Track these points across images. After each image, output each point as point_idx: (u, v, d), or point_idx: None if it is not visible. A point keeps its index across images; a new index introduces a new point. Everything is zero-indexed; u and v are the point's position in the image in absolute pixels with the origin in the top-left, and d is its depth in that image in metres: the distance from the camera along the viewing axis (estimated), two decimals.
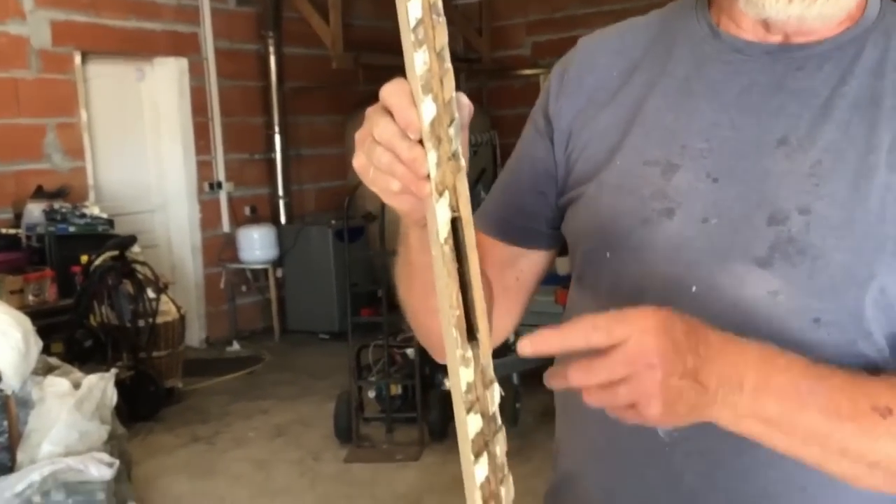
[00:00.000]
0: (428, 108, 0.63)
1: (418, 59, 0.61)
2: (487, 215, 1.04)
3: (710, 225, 0.85)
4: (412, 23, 0.61)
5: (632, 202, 0.89)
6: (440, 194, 0.63)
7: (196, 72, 6.01)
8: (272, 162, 6.49)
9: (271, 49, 6.32)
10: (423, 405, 3.98)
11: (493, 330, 1.03)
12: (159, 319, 4.66)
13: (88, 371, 3.46)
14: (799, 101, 0.87)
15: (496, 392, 0.64)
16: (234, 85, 6.25)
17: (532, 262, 1.04)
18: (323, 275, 6.11)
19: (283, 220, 6.49)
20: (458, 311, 0.63)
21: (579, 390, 0.71)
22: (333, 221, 6.06)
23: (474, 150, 7.41)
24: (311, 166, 6.82)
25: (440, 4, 0.61)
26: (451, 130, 0.63)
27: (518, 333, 1.13)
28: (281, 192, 6.51)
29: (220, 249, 6.23)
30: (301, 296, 6.25)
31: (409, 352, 4.16)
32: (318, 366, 5.48)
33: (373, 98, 0.70)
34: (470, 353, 0.63)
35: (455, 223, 0.64)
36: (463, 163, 0.64)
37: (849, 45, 0.89)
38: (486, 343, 0.64)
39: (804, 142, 0.85)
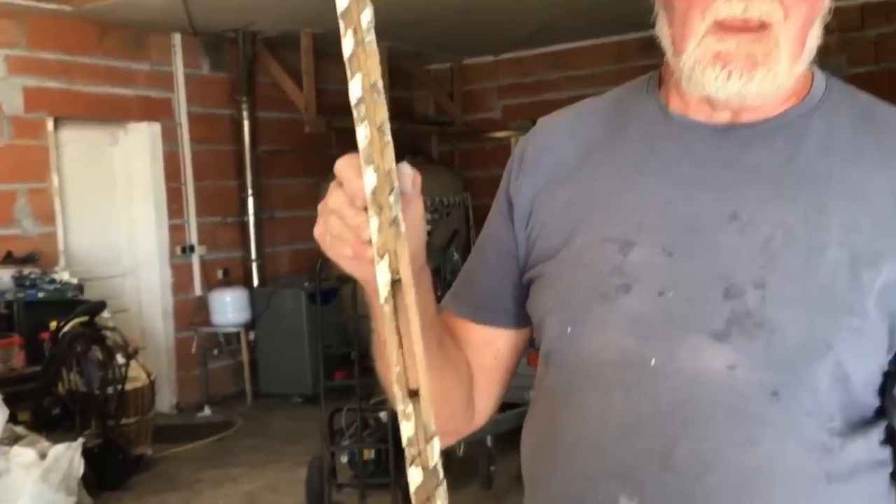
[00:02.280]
0: (369, 178, 0.68)
1: (360, 134, 0.67)
2: (458, 298, 1.07)
3: (667, 298, 0.87)
4: (353, 101, 0.67)
5: (591, 279, 0.91)
6: (381, 257, 0.68)
7: (169, 136, 6.03)
8: (245, 225, 6.48)
9: (245, 113, 6.37)
10: (396, 470, 3.93)
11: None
12: (128, 386, 4.59)
13: (56, 440, 3.39)
14: (749, 178, 0.89)
15: (437, 446, 0.66)
16: (208, 149, 6.28)
17: (508, 341, 1.05)
18: (296, 337, 6.07)
19: (255, 282, 6.46)
20: (399, 368, 0.67)
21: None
22: (307, 284, 6.04)
23: (447, 211, 7.45)
24: (285, 229, 6.82)
25: (380, 84, 0.66)
26: (391, 198, 0.67)
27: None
28: (254, 255, 6.49)
29: (191, 313, 6.17)
30: (274, 359, 6.19)
31: (383, 415, 4.12)
32: (291, 430, 5.41)
33: None
34: (411, 409, 0.66)
35: (396, 285, 0.68)
36: (403, 228, 0.68)
37: (796, 123, 0.91)
38: (428, 399, 0.66)
39: (756, 217, 0.87)
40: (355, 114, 0.66)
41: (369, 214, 0.68)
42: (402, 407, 0.66)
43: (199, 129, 6.21)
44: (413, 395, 0.67)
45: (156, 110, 5.96)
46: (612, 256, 0.91)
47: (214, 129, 6.32)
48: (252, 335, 6.28)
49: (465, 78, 7.79)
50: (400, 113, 7.48)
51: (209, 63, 6.30)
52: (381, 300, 0.68)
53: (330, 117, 6.29)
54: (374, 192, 0.67)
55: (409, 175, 0.73)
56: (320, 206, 0.76)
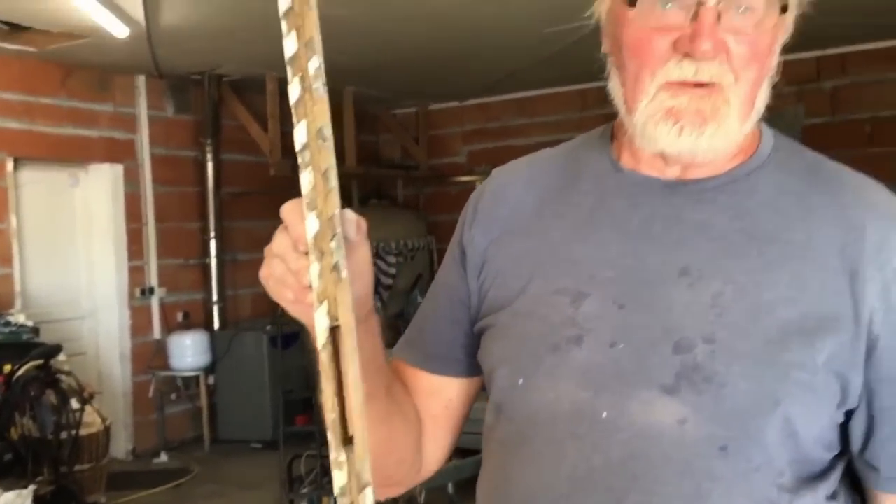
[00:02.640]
0: (311, 224, 0.68)
1: (304, 180, 0.67)
2: (409, 346, 1.07)
3: (618, 350, 0.88)
4: (298, 146, 0.67)
5: (542, 330, 0.92)
6: (320, 303, 0.68)
7: (131, 177, 5.99)
8: (207, 267, 6.42)
9: (209, 155, 6.35)
10: None
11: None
12: (83, 431, 4.49)
13: (7, 486, 3.29)
14: (698, 233, 0.91)
15: (370, 496, 0.65)
16: (170, 190, 6.23)
17: (459, 389, 1.05)
18: (256, 381, 5.99)
19: (216, 325, 6.38)
20: (334, 415, 0.66)
21: None
22: (269, 327, 5.98)
23: (412, 255, 7.46)
24: (248, 271, 6.76)
25: (326, 130, 0.67)
26: (333, 244, 0.67)
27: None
28: (215, 298, 6.42)
29: (150, 357, 6.07)
30: (233, 404, 6.10)
31: None
32: (249, 477, 5.31)
33: None
34: (343, 457, 0.65)
35: (336, 331, 0.68)
36: (344, 274, 0.68)
37: (743, 180, 0.93)
38: (362, 447, 0.66)
39: (705, 273, 0.89)
40: (300, 159, 0.66)
41: (310, 260, 0.68)
42: (335, 455, 0.66)
43: (162, 171, 6.16)
44: (348, 442, 0.66)
45: (118, 151, 5.92)
46: (565, 308, 0.91)
47: (178, 171, 6.29)
48: (211, 379, 6.19)
49: (430, 123, 7.85)
50: (366, 157, 7.51)
51: (174, 105, 6.28)
52: (319, 346, 0.67)
53: (295, 160, 6.26)
54: (315, 238, 0.68)
55: (352, 221, 0.73)
56: (266, 249, 0.77)
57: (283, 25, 0.66)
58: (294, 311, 0.79)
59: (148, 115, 6.06)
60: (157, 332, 6.14)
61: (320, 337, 0.67)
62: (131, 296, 5.99)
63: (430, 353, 1.04)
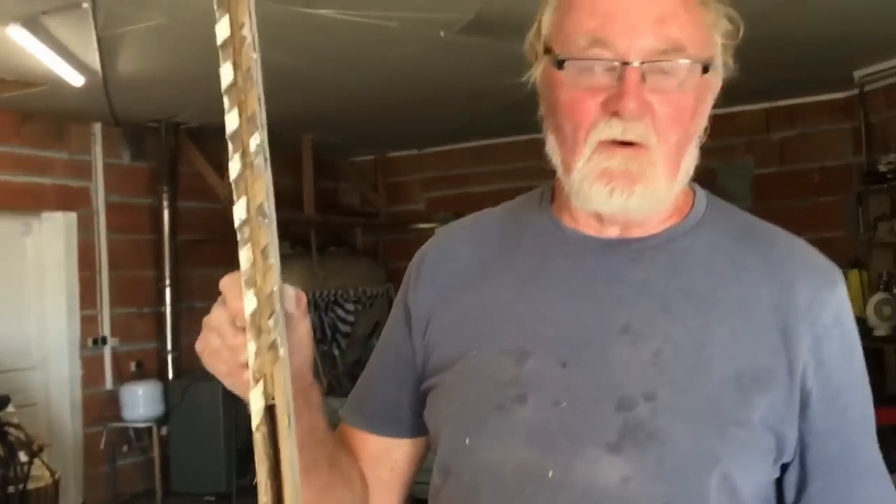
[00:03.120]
0: (249, 302, 0.68)
1: (242, 257, 0.67)
2: (353, 409, 1.07)
3: (561, 408, 0.89)
4: (237, 223, 0.67)
5: (487, 389, 0.92)
6: (256, 382, 0.67)
7: (85, 226, 5.91)
8: (161, 315, 6.33)
9: (165, 203, 6.29)
10: None
11: None
12: (31, 485, 4.36)
13: None
14: (637, 292, 0.93)
15: None
16: (125, 238, 6.16)
17: (405, 451, 1.06)
18: (211, 433, 5.88)
19: (170, 375, 6.27)
20: (266, 498, 0.66)
21: None
22: None
23: (370, 302, 7.43)
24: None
25: (266, 207, 0.67)
26: (271, 322, 0.67)
27: None
28: (169, 347, 6.32)
29: (101, 407, 5.94)
30: (187, 455, 5.97)
31: None
32: None
33: None
34: None
35: (271, 410, 0.67)
36: (282, 352, 0.67)
37: (679, 239, 0.96)
38: None
39: (645, 331, 0.91)
40: (239, 236, 0.66)
41: (248, 338, 0.68)
42: None
43: (117, 219, 6.10)
44: None
45: (72, 199, 5.85)
46: (509, 368, 0.92)
47: (133, 219, 6.22)
48: (164, 430, 6.06)
49: (389, 170, 7.89)
50: (325, 204, 7.50)
51: (130, 152, 6.24)
52: (254, 427, 0.66)
53: None
54: (253, 315, 0.67)
55: (292, 297, 0.73)
56: (204, 320, 0.77)
57: (226, 101, 0.67)
58: (228, 384, 0.78)
59: (103, 163, 6.01)
60: (109, 383, 6.02)
61: (254, 417, 0.67)
62: (83, 345, 5.87)
63: (375, 415, 1.04)
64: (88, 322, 5.92)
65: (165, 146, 6.23)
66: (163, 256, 6.31)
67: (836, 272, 0.96)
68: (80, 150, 5.91)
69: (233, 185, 0.67)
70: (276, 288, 0.67)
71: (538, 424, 0.89)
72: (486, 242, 1.03)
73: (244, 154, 0.66)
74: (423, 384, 1.00)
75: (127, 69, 4.45)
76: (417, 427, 1.03)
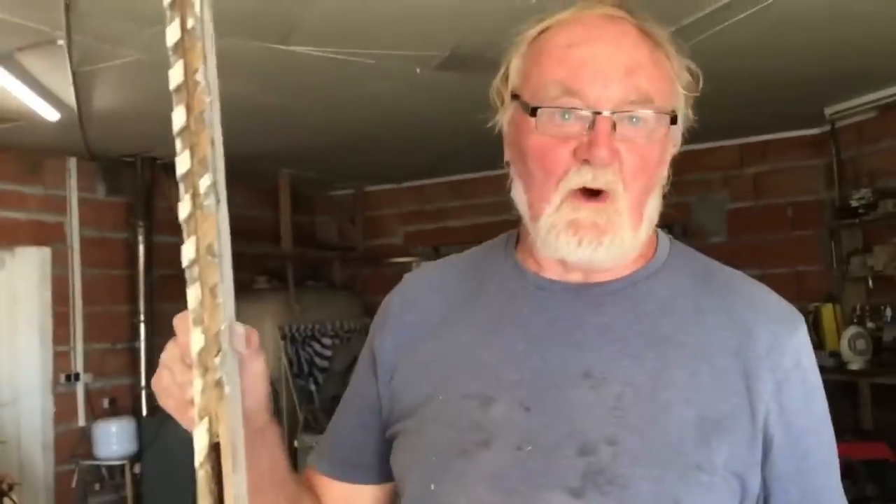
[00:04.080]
0: (196, 340, 0.68)
1: (190, 295, 0.67)
2: (320, 454, 1.07)
3: (525, 452, 0.89)
4: (185, 262, 0.67)
5: (452, 435, 0.93)
6: (200, 419, 0.67)
7: (59, 260, 5.86)
8: (136, 351, 6.26)
9: (140, 237, 6.25)
10: None
11: None
12: None
13: None
14: (598, 336, 0.94)
15: None
16: (100, 273, 6.11)
17: (371, 498, 1.06)
18: (185, 470, 5.73)
19: (144, 412, 6.19)
20: None
21: None
22: None
23: (347, 336, 7.38)
24: None
25: (216, 246, 0.67)
26: (217, 360, 0.67)
27: None
28: (143, 383, 6.24)
29: (74, 445, 5.84)
30: (160, 493, 5.87)
31: None
32: None
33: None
34: None
35: (216, 449, 0.67)
36: (227, 390, 0.67)
37: (641, 284, 0.97)
38: None
39: (606, 375, 0.92)
40: (186, 275, 0.67)
41: (194, 375, 0.68)
42: None
43: (92, 254, 6.05)
44: None
45: (47, 234, 5.80)
46: (473, 412, 0.93)
47: (108, 253, 6.17)
48: (138, 468, 5.96)
49: (367, 204, 7.89)
50: (302, 238, 7.48)
51: (105, 187, 6.21)
52: (197, 464, 0.66)
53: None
54: (200, 353, 0.67)
55: (241, 335, 0.74)
56: (161, 357, 0.79)
57: (178, 143, 0.68)
58: (180, 420, 0.80)
59: (79, 197, 5.97)
60: (81, 420, 5.93)
61: (198, 454, 0.66)
62: (56, 382, 5.79)
63: (341, 461, 1.05)
64: (61, 358, 5.84)
65: (141, 181, 6.20)
66: (137, 291, 6.26)
67: (795, 317, 0.97)
68: (54, 185, 5.87)
69: (182, 225, 0.68)
70: (223, 326, 0.67)
71: (502, 470, 0.89)
72: (452, 288, 1.04)
73: (195, 195, 0.67)
74: (389, 430, 1.01)
75: (102, 105, 4.44)
76: (383, 473, 1.03)
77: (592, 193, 0.91)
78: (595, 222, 0.90)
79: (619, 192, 0.91)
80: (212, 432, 0.66)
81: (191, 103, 0.68)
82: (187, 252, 0.67)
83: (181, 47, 0.68)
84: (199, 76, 0.68)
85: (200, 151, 0.68)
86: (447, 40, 3.57)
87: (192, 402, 0.68)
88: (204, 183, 0.67)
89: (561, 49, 0.92)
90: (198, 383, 0.67)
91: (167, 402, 0.78)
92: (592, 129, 0.89)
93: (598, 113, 0.89)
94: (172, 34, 0.68)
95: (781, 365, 0.92)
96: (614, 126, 0.90)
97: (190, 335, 0.68)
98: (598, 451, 0.87)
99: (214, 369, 0.67)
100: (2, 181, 5.53)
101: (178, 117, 0.68)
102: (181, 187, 0.68)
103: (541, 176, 0.92)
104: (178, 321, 0.74)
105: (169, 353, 0.76)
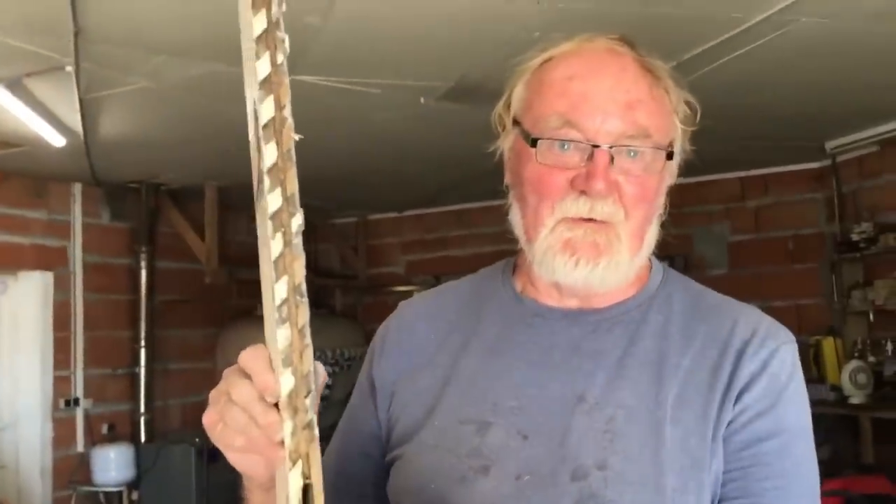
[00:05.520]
0: (286, 381, 0.67)
1: (281, 336, 0.66)
2: None
3: (523, 482, 0.90)
4: (277, 301, 0.66)
5: (449, 461, 0.93)
6: (293, 462, 0.66)
7: (62, 285, 5.86)
8: (136, 377, 6.25)
9: (143, 263, 6.27)
10: None
11: None
12: None
13: None
14: (594, 362, 0.95)
15: None
16: (102, 298, 6.11)
17: None
18: (183, 497, 5.76)
19: (143, 437, 6.16)
20: None
21: None
22: (198, 439, 5.79)
23: (348, 364, 7.37)
24: (179, 381, 6.60)
25: (303, 287, 0.67)
26: (308, 401, 0.67)
27: None
28: (142, 409, 6.22)
29: (72, 471, 5.81)
30: None
31: None
32: None
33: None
34: None
35: (306, 490, 0.67)
36: (316, 432, 0.67)
37: (635, 311, 0.99)
38: None
39: (600, 399, 0.93)
40: (276, 315, 0.66)
41: (283, 417, 0.67)
42: None
43: (94, 279, 6.06)
44: None
45: (50, 259, 5.81)
46: (470, 438, 0.94)
47: (110, 279, 6.18)
48: (136, 495, 5.93)
49: (369, 232, 7.91)
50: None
51: (109, 212, 6.23)
52: None
53: (232, 268, 6.24)
54: (290, 395, 0.67)
55: (323, 376, 0.73)
56: (214, 393, 0.75)
57: (266, 181, 0.67)
58: (239, 460, 0.76)
59: (82, 223, 5.99)
60: (80, 445, 5.90)
61: (293, 497, 0.66)
62: (55, 407, 5.77)
63: (341, 492, 1.04)
64: (61, 383, 5.83)
65: (145, 206, 6.23)
66: (139, 316, 6.26)
67: (779, 332, 0.97)
68: (58, 210, 5.90)
69: (272, 265, 0.66)
70: (312, 368, 0.67)
71: (499, 499, 0.90)
72: (449, 315, 1.05)
73: (285, 234, 0.66)
74: (388, 456, 1.01)
75: (108, 131, 4.47)
76: (378, 500, 1.02)
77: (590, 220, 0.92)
78: (595, 242, 0.92)
79: (620, 221, 0.92)
80: (304, 475, 0.66)
81: (279, 140, 0.67)
82: (279, 292, 0.66)
83: (270, 82, 0.67)
84: (286, 112, 0.68)
85: (289, 189, 0.67)
86: (452, 71, 3.60)
87: (278, 443, 0.68)
88: (295, 222, 0.67)
89: (562, 82, 0.94)
90: (288, 425, 0.67)
91: (234, 441, 0.73)
92: (591, 161, 0.91)
93: (597, 146, 0.91)
94: (263, 69, 0.67)
95: (748, 368, 0.92)
96: (612, 159, 0.91)
97: (269, 373, 0.67)
98: (589, 476, 0.88)
99: (305, 411, 0.66)
100: (6, 205, 5.55)
101: (270, 155, 0.67)
102: (269, 225, 0.66)
103: (536, 200, 0.93)
104: (250, 358, 0.71)
105: (244, 392, 0.71)
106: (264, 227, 0.66)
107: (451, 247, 7.27)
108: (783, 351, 0.94)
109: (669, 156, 0.95)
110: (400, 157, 5.36)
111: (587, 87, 0.93)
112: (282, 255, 0.67)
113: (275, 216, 0.67)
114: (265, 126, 0.67)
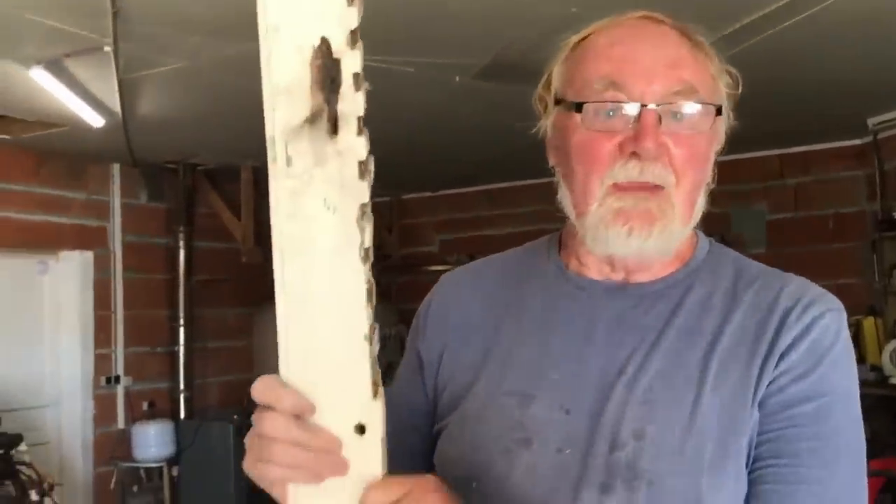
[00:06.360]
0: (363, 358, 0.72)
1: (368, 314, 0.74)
2: None
3: (564, 455, 0.90)
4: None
5: (493, 432, 0.94)
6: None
7: (102, 265, 5.95)
8: (175, 355, 6.34)
9: (181, 243, 6.34)
10: None
11: None
12: None
13: None
14: (636, 336, 0.95)
15: None
16: (141, 278, 6.20)
17: None
18: (222, 473, 5.84)
19: (182, 415, 6.26)
20: None
21: None
22: (236, 416, 5.86)
23: (382, 343, 7.40)
24: (217, 359, 6.68)
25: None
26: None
27: None
28: (182, 386, 6.31)
29: (113, 447, 5.93)
30: (197, 496, 5.93)
31: None
32: None
33: None
34: None
35: None
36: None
37: (679, 284, 0.98)
38: None
39: (639, 371, 0.92)
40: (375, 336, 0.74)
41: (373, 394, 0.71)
42: None
43: (133, 258, 6.14)
44: None
45: (89, 239, 5.90)
46: (513, 411, 0.94)
47: (149, 258, 6.26)
48: (175, 470, 6.03)
49: (403, 212, 7.92)
50: None
51: (147, 193, 6.30)
52: None
53: (267, 247, 6.29)
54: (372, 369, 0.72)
55: None
56: (247, 440, 0.77)
57: None
58: (279, 492, 0.77)
59: (121, 203, 6.07)
60: (121, 422, 6.01)
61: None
62: (96, 384, 5.88)
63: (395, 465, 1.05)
64: (102, 360, 5.93)
65: (182, 187, 6.29)
66: (177, 296, 6.34)
67: (825, 298, 0.95)
68: (97, 191, 5.98)
69: None
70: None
71: (541, 471, 0.90)
72: (492, 288, 1.05)
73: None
74: (435, 427, 1.02)
75: (146, 111, 4.51)
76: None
77: (640, 186, 0.91)
78: (647, 209, 0.90)
79: (671, 185, 0.91)
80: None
81: None
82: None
83: None
84: None
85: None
86: (486, 49, 3.59)
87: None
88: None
89: (604, 48, 0.93)
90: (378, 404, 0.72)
91: (272, 473, 0.76)
92: (638, 123, 0.90)
93: (644, 106, 0.90)
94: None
95: (792, 333, 0.90)
96: (660, 119, 0.90)
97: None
98: (626, 446, 0.88)
99: (379, 384, 0.71)
100: (47, 186, 5.64)
101: None
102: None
103: (585, 171, 0.92)
104: (263, 391, 0.73)
105: (276, 423, 0.74)
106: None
107: (486, 226, 7.25)
108: (828, 317, 0.92)
109: (718, 111, 0.93)
110: (434, 136, 5.35)
111: (629, 49, 0.92)
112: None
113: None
114: None
